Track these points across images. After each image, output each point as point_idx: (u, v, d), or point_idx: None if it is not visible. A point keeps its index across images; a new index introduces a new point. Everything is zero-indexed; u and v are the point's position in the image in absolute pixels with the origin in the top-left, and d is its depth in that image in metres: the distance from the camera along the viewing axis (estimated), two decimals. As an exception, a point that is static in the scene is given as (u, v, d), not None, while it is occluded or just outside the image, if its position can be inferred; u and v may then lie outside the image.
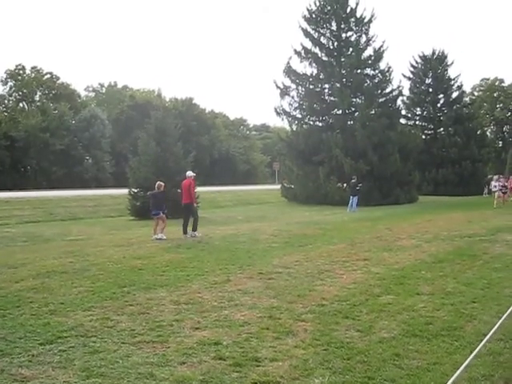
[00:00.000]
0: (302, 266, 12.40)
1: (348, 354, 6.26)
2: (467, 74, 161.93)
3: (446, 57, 60.08)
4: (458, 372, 4.19)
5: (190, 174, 19.75)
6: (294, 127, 46.66)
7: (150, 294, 9.45)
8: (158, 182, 19.26)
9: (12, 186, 59.27)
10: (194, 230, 18.81)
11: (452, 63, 60.11)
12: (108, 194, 42.87)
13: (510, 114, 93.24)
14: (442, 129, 59.35)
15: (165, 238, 17.88)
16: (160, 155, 30.20)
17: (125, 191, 32.65)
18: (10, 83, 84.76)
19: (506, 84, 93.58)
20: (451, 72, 61.01)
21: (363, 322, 7.57)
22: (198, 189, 31.44)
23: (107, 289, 9.93)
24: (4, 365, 5.95)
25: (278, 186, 49.58)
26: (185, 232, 18.87)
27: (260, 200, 47.25)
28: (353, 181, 34.06)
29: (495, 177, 36.95)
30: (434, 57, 59.81)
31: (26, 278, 11.19)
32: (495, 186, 35.26)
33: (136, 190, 30.99)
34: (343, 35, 45.11)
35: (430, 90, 59.99)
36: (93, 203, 38.48)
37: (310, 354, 6.26)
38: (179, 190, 20.33)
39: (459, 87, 60.47)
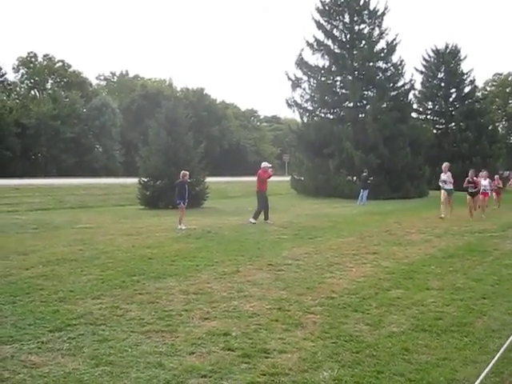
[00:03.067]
0: (311, 258, 12.38)
1: (357, 347, 6.24)
2: (480, 69, 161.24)
3: (459, 51, 59.58)
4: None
5: (264, 164, 20.97)
6: (305, 119, 46.48)
7: (160, 284, 9.47)
8: (183, 171, 19.28)
9: (22, 173, 59.56)
10: (266, 218, 20.15)
11: (465, 57, 59.56)
12: (118, 183, 42.97)
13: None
14: (453, 123, 58.92)
15: (183, 228, 17.90)
16: (170, 145, 30.20)
17: (134, 180, 32.73)
18: (22, 71, 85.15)
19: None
20: (464, 66, 60.49)
21: (372, 316, 7.55)
22: (208, 179, 31.59)
23: (117, 277, 9.96)
24: (14, 351, 5.97)
25: (288, 178, 49.51)
26: (266, 218, 20.15)
27: (269, 191, 47.01)
28: (364, 174, 34.03)
29: (445, 164, 23.02)
30: (447, 51, 59.29)
31: (36, 265, 11.24)
32: (444, 182, 22.88)
33: (146, 180, 31.05)
34: (356, 28, 44.87)
35: (442, 84, 59.58)
36: (102, 192, 38.59)
37: (318, 347, 6.25)
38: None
39: (472, 82, 59.99)
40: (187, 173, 19.35)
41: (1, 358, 5.73)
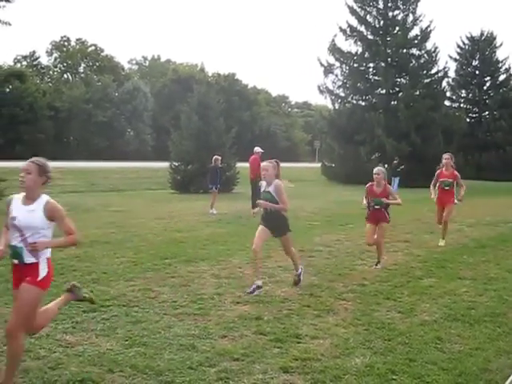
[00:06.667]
0: (342, 244, 12.38)
1: (389, 334, 6.23)
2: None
3: (494, 38, 58.46)
4: None
5: (257, 149, 19.70)
6: (337, 106, 46.28)
7: (191, 267, 9.55)
8: (215, 156, 19.19)
9: (55, 156, 60.04)
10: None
11: (501, 45, 58.39)
12: (149, 167, 43.19)
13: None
14: (487, 112, 58.09)
15: (215, 212, 17.95)
16: (202, 130, 30.33)
17: (165, 164, 32.90)
18: (55, 54, 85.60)
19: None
20: (499, 54, 59.37)
21: (404, 304, 7.52)
22: (238, 164, 31.61)
23: (149, 260, 10.06)
24: (49, 330, 6.07)
25: (319, 165, 49.36)
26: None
27: (300, 177, 47.05)
28: (395, 162, 33.72)
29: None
30: (482, 38, 58.25)
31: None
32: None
33: (177, 164, 31.22)
34: (390, 14, 44.43)
35: (477, 72, 58.63)
36: (134, 175, 38.87)
37: (350, 333, 6.25)
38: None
39: (507, 70, 58.77)
40: (219, 157, 19.33)
41: (37, 336, 5.81)
